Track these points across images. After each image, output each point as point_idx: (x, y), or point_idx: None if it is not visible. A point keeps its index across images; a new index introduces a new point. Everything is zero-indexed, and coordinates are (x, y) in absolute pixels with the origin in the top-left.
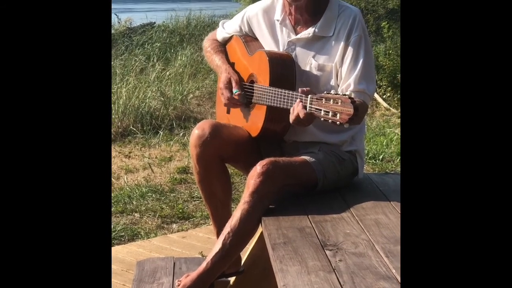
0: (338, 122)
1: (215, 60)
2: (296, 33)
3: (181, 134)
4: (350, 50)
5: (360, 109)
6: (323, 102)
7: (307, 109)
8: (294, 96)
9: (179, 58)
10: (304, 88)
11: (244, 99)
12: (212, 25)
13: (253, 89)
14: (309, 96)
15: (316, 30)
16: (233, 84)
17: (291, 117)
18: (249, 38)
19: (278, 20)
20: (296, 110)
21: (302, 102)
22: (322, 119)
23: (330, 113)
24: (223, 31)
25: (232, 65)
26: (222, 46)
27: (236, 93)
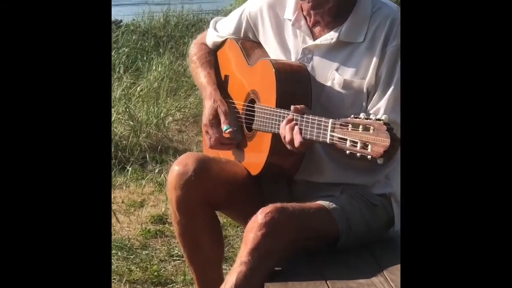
0: (369, 156)
1: (200, 76)
2: (314, 38)
3: (156, 171)
4: (385, 64)
5: (397, 140)
6: (349, 130)
7: (327, 138)
8: (310, 121)
9: (153, 68)
10: (298, 106)
11: (239, 136)
12: (198, 24)
13: (253, 111)
14: (331, 121)
15: (341, 34)
16: (222, 118)
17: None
18: (249, 43)
19: (289, 20)
20: (285, 133)
21: (318, 127)
22: (348, 152)
23: (359, 144)
24: (214, 33)
25: (225, 79)
26: (212, 54)
27: (227, 131)
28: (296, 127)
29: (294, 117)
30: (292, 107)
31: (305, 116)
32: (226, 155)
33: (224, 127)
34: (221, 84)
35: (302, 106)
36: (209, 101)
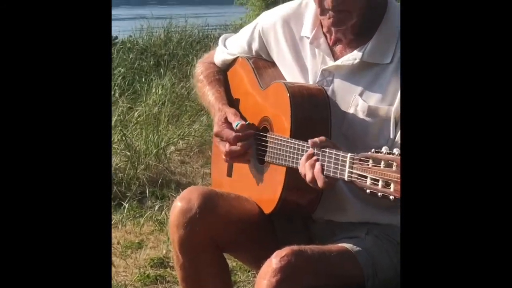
0: (392, 197)
1: (207, 95)
2: (335, 58)
3: (156, 208)
4: None
5: None
6: (370, 166)
7: (345, 175)
8: (328, 153)
9: (153, 91)
10: (317, 139)
11: (252, 164)
12: (204, 41)
13: (266, 141)
14: (349, 155)
15: (365, 54)
16: (231, 117)
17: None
18: (262, 63)
19: (307, 38)
20: (306, 171)
21: (336, 163)
22: (368, 190)
23: (380, 183)
24: (224, 50)
25: (235, 102)
26: (221, 73)
27: (238, 125)
28: (318, 164)
29: (315, 151)
30: (309, 141)
31: (327, 150)
32: (236, 190)
33: (235, 123)
34: (231, 107)
35: (322, 138)
36: (218, 114)
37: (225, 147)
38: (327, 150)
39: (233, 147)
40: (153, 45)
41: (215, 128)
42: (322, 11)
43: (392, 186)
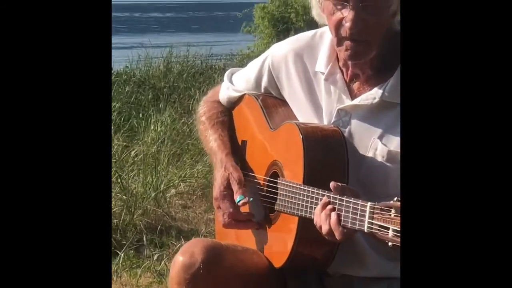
0: None
1: (209, 140)
2: (352, 96)
3: (155, 257)
4: None
5: None
6: (392, 216)
7: (364, 226)
8: (345, 202)
9: (152, 127)
10: (339, 183)
11: (261, 213)
12: (207, 73)
13: (276, 189)
14: (369, 204)
15: (386, 92)
16: (234, 187)
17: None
18: (271, 101)
19: (322, 73)
20: (321, 221)
21: (354, 212)
22: (390, 243)
23: None
24: (229, 87)
25: (242, 145)
26: (225, 114)
27: (240, 202)
28: (334, 214)
29: (331, 199)
30: (331, 184)
31: (345, 198)
32: (244, 241)
33: (237, 197)
34: (237, 151)
35: (343, 184)
36: (220, 170)
37: (222, 217)
38: (344, 199)
39: (232, 222)
40: (151, 77)
41: (215, 192)
42: (339, 40)
43: None
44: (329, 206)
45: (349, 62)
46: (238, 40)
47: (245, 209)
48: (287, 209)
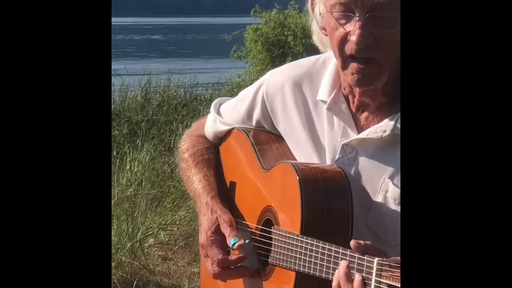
0: None
1: (193, 180)
2: (359, 129)
3: None
4: None
5: None
6: None
7: (371, 286)
8: (348, 255)
9: (128, 167)
10: (361, 242)
11: (253, 265)
12: (192, 104)
13: (270, 239)
14: (376, 260)
15: (398, 124)
16: (226, 230)
17: None
18: (264, 136)
19: (324, 102)
20: (341, 282)
21: (360, 270)
22: None
23: None
24: (217, 119)
25: (230, 187)
26: (211, 151)
27: (235, 245)
28: (359, 276)
29: (334, 253)
30: (352, 243)
31: (348, 252)
32: None
33: (230, 241)
34: (225, 194)
35: (366, 242)
36: (206, 213)
37: (212, 266)
38: (348, 253)
39: (223, 271)
40: (127, 109)
41: (201, 238)
42: (344, 62)
43: None
44: (359, 274)
45: (356, 89)
46: (227, 67)
47: (235, 254)
48: (283, 262)
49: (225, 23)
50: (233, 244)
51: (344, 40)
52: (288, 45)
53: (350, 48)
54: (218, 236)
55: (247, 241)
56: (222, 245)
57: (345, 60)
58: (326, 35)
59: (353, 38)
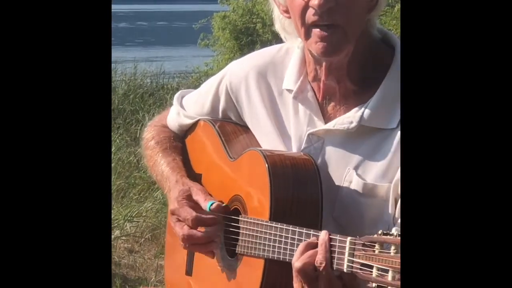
0: None
1: (160, 164)
2: (326, 119)
3: None
4: None
5: None
6: (377, 252)
7: (344, 266)
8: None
9: None
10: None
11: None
12: (158, 93)
13: (238, 227)
14: (349, 239)
15: (365, 115)
16: (200, 196)
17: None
18: (230, 127)
19: (290, 91)
20: (304, 260)
21: (332, 251)
22: (374, 284)
23: (390, 274)
24: (180, 112)
25: (196, 177)
26: (178, 140)
27: (213, 206)
28: (323, 252)
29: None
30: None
31: (338, 237)
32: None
33: (206, 204)
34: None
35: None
36: (177, 186)
37: (182, 229)
38: (319, 235)
39: (193, 232)
40: None
41: (171, 205)
42: (307, 30)
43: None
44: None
45: (320, 67)
46: (194, 55)
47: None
48: (251, 250)
49: (193, 11)
50: (210, 205)
51: (305, 8)
52: (257, 33)
53: (311, 14)
54: (189, 202)
55: (223, 204)
56: (195, 206)
57: (308, 29)
58: (289, 17)
59: (314, 2)
